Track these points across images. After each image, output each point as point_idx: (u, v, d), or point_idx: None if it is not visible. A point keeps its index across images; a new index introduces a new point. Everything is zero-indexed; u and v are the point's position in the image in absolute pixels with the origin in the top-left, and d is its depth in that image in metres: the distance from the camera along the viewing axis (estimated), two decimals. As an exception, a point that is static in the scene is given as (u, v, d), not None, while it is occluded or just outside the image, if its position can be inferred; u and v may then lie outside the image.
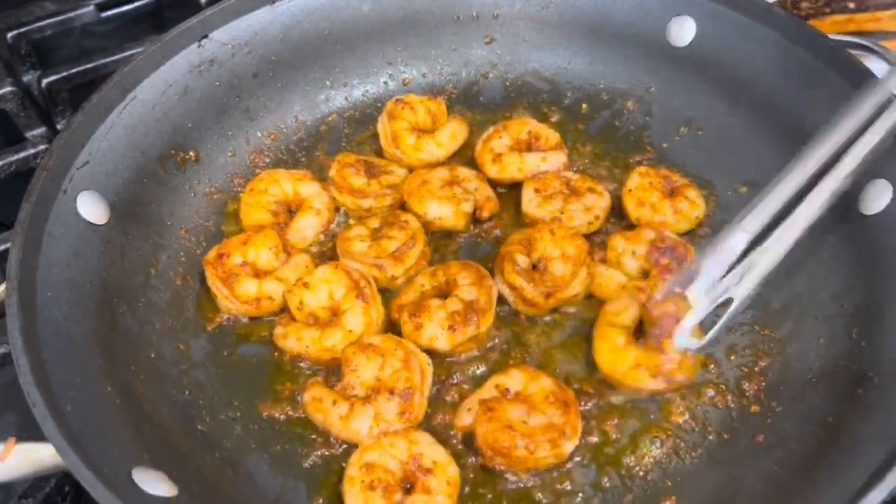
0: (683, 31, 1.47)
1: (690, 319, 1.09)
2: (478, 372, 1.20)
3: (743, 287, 1.06)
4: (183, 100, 1.39)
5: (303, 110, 1.55)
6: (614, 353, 1.16)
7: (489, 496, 1.08)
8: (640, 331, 1.20)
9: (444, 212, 1.34)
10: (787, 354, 1.20)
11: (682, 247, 1.27)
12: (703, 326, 1.10)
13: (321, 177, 1.43)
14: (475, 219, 1.38)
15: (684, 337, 1.08)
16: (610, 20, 1.54)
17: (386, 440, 1.07)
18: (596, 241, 1.33)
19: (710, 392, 1.17)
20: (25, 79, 1.62)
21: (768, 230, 1.08)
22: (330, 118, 1.56)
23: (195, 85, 1.40)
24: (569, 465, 1.10)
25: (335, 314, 1.22)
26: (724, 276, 1.06)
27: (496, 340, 1.24)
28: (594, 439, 1.13)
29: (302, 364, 1.21)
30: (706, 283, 1.06)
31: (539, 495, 1.08)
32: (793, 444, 1.09)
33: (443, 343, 1.18)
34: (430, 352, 1.18)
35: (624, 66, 1.55)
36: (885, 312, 1.13)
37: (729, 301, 1.06)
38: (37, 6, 1.70)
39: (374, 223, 1.34)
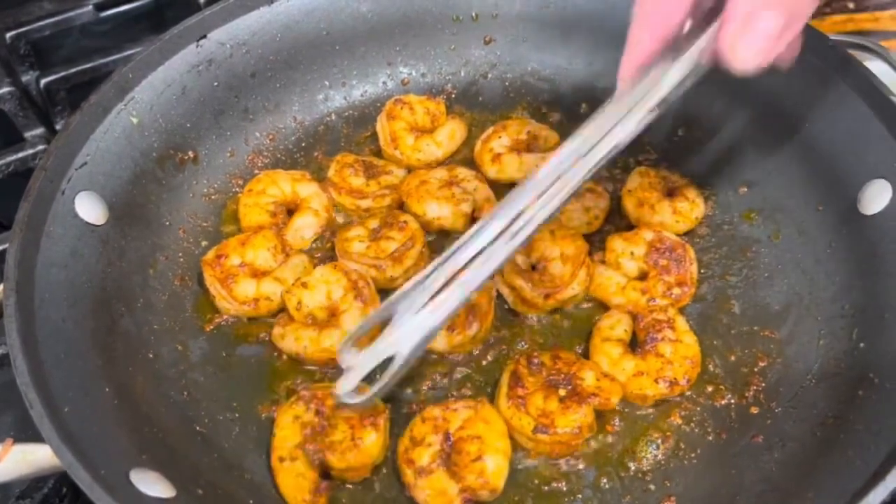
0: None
1: (351, 378, 1.05)
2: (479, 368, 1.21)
3: (404, 346, 1.01)
4: (181, 100, 1.39)
5: (301, 110, 1.54)
6: (613, 365, 1.16)
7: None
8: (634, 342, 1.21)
9: (442, 212, 1.34)
10: (787, 355, 1.20)
11: (682, 247, 1.26)
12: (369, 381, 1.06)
13: (320, 177, 1.43)
14: (474, 219, 1.37)
15: (347, 394, 1.05)
16: (610, 20, 1.53)
17: None
18: (595, 241, 1.33)
19: (710, 393, 1.17)
20: (24, 79, 1.62)
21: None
22: (328, 118, 1.56)
23: (193, 85, 1.40)
24: (569, 466, 1.10)
25: (333, 314, 1.22)
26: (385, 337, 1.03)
27: (494, 340, 1.23)
28: (594, 440, 1.12)
29: (300, 364, 1.21)
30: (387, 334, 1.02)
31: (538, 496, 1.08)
32: (792, 445, 1.08)
33: (441, 343, 1.19)
34: (428, 350, 1.18)
35: (623, 67, 1.55)
36: (886, 313, 1.13)
37: (392, 357, 1.02)
38: (35, 6, 1.70)
39: (373, 224, 1.34)
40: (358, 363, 1.05)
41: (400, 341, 1.02)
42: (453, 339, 1.17)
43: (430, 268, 1.01)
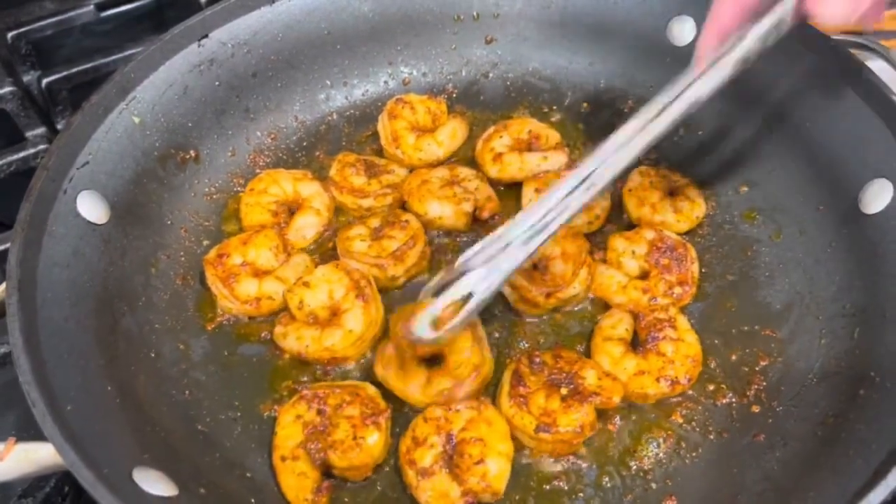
0: (684, 31, 1.47)
1: (431, 310, 1.07)
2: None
3: (485, 284, 1.05)
4: (183, 99, 1.39)
5: (303, 110, 1.55)
6: (615, 364, 1.16)
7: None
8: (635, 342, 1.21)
9: (444, 211, 1.34)
10: (788, 354, 1.20)
11: (683, 247, 1.27)
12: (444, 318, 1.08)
13: (321, 176, 1.43)
14: (475, 218, 1.37)
15: (422, 327, 1.06)
16: (610, 20, 1.54)
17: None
18: (596, 240, 1.33)
19: (711, 392, 1.17)
20: (25, 79, 1.62)
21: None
22: (330, 118, 1.56)
23: (195, 84, 1.40)
24: (570, 464, 1.10)
25: (335, 314, 1.22)
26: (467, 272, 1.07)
27: (495, 339, 1.24)
28: (595, 439, 1.13)
29: (302, 364, 1.21)
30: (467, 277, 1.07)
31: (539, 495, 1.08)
32: (793, 444, 1.09)
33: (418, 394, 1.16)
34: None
35: (624, 66, 1.55)
36: (886, 312, 1.13)
37: (469, 296, 1.06)
38: (36, 6, 1.70)
39: (375, 223, 1.34)
40: (434, 303, 1.07)
41: (476, 282, 1.05)
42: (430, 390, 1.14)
43: (502, 227, 1.06)
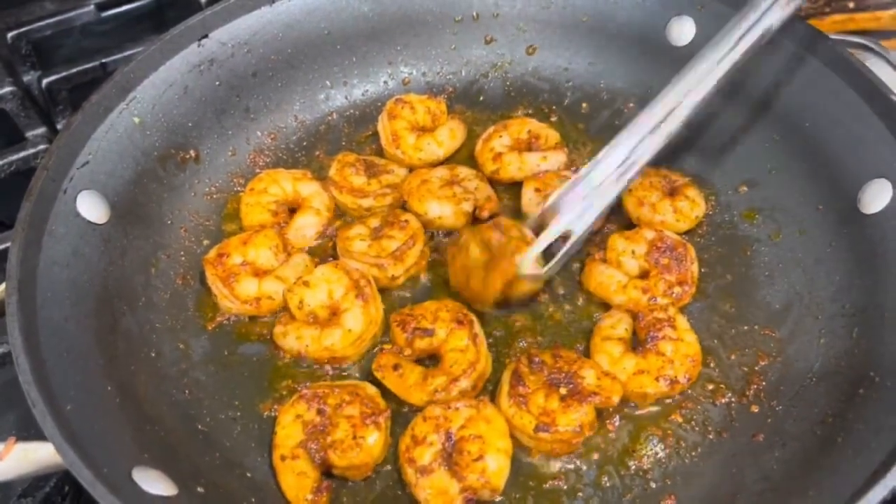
0: (683, 31, 1.47)
1: (535, 248, 1.15)
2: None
3: (582, 221, 1.13)
4: (183, 99, 1.39)
5: (303, 110, 1.55)
6: (614, 364, 1.16)
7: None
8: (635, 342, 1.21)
9: (444, 211, 1.35)
10: (788, 354, 1.20)
11: (682, 246, 1.27)
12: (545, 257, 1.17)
13: (321, 176, 1.43)
14: (475, 218, 1.37)
15: (528, 264, 1.15)
16: (610, 20, 1.54)
17: None
18: (596, 240, 1.33)
19: (711, 391, 1.18)
20: (25, 79, 1.63)
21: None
22: (330, 118, 1.56)
23: (195, 84, 1.40)
24: (569, 464, 1.11)
25: (335, 313, 1.22)
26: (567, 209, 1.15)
27: (496, 337, 1.24)
28: (594, 438, 1.13)
29: (302, 363, 1.22)
30: (561, 216, 1.15)
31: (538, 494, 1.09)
32: (793, 444, 1.09)
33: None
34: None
35: (624, 66, 1.55)
36: (886, 312, 1.13)
37: (569, 234, 1.13)
38: (37, 6, 1.70)
39: (374, 222, 1.34)
40: (537, 242, 1.17)
41: (574, 221, 1.15)
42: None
43: (587, 167, 1.14)
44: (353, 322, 1.19)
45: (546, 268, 1.16)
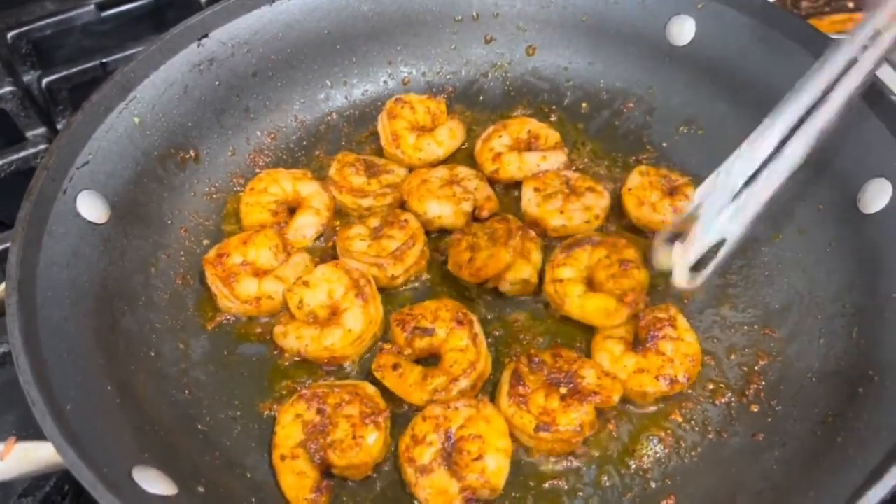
0: (683, 31, 1.47)
1: (690, 256, 1.11)
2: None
3: (735, 227, 1.08)
4: (183, 99, 1.39)
5: (302, 109, 1.55)
6: (614, 362, 1.16)
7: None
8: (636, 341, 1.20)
9: (443, 211, 1.35)
10: (788, 354, 1.20)
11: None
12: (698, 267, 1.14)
13: (321, 176, 1.43)
14: (475, 218, 1.38)
15: (683, 276, 1.11)
16: (610, 20, 1.54)
17: None
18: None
19: (710, 391, 1.18)
20: (25, 78, 1.62)
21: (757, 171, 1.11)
22: (330, 117, 1.56)
23: (195, 84, 1.40)
24: (569, 464, 1.11)
25: (335, 313, 1.22)
26: (717, 217, 1.09)
27: (496, 336, 1.24)
28: (594, 438, 1.13)
29: (302, 363, 1.22)
30: (707, 221, 1.10)
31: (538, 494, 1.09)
32: (793, 444, 1.09)
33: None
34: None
35: (624, 66, 1.55)
36: (886, 311, 1.13)
37: (722, 242, 1.08)
38: (37, 6, 1.70)
39: (374, 222, 1.34)
40: (685, 254, 1.11)
41: (725, 227, 1.09)
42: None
43: (728, 162, 1.08)
44: (353, 322, 1.19)
45: (699, 278, 1.12)
